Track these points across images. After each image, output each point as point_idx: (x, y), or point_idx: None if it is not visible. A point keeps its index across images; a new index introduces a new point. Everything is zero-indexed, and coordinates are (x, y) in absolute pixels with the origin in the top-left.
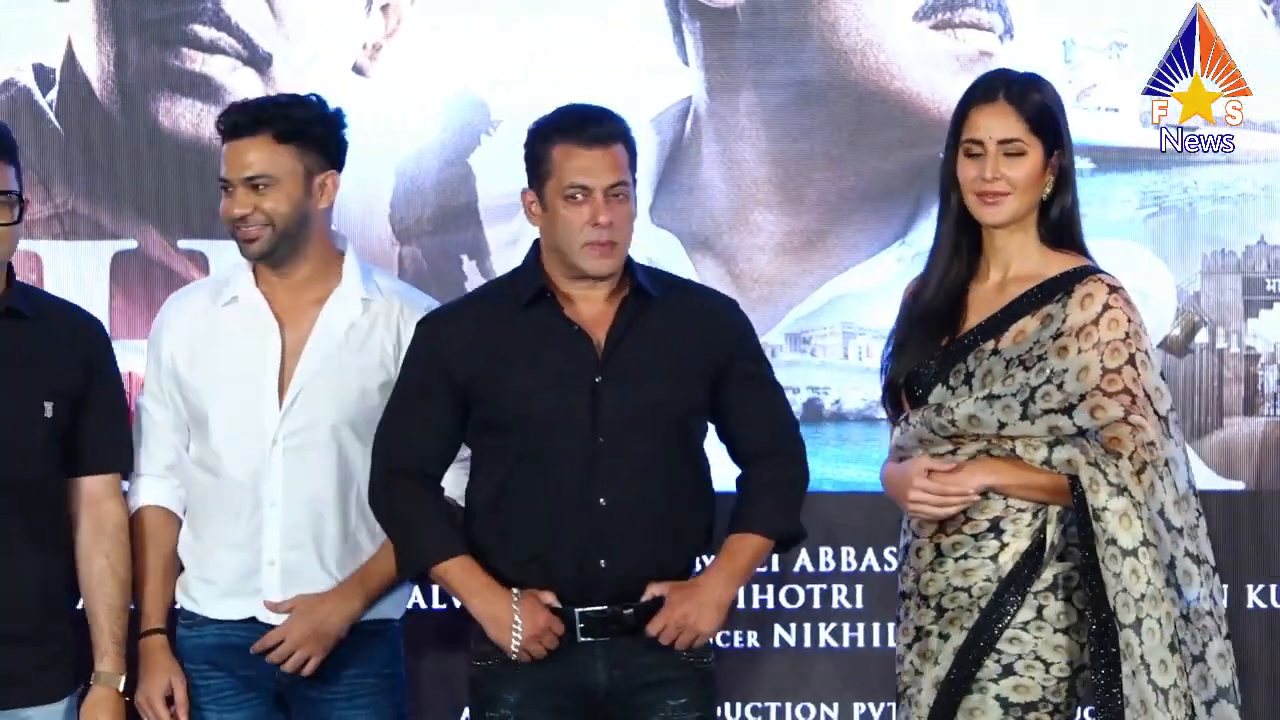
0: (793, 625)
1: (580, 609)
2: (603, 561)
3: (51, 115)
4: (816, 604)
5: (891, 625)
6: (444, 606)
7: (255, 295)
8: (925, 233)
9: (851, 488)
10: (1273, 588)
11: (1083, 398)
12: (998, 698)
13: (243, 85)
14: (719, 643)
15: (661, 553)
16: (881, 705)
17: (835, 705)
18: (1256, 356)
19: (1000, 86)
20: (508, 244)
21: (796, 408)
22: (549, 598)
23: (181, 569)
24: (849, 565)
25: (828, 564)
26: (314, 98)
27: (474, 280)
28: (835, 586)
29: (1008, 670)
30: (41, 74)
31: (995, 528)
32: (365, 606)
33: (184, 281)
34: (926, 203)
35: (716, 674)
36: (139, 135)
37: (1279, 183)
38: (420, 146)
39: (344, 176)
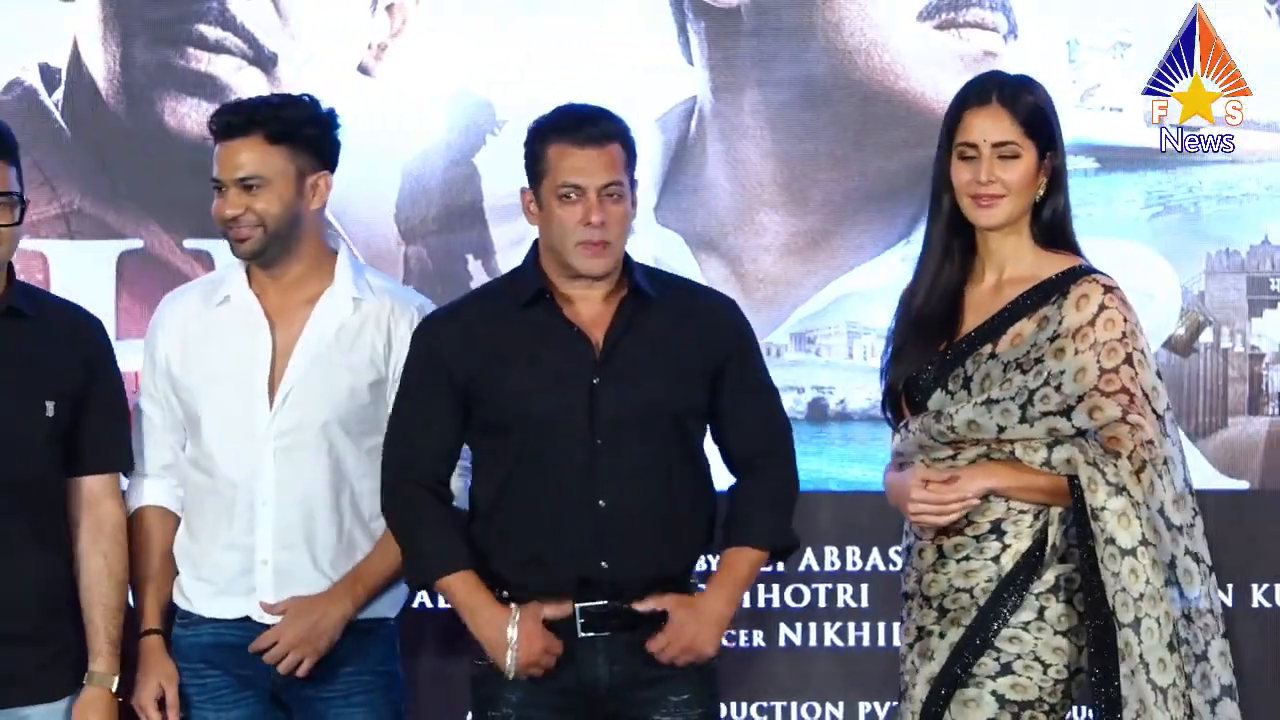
0: (798, 624)
1: (581, 604)
2: (604, 563)
3: (57, 115)
4: (822, 603)
5: (896, 625)
6: (445, 606)
7: (248, 295)
8: None
9: (856, 487)
10: (1277, 587)
11: (1081, 399)
12: (994, 694)
13: (248, 85)
14: (723, 641)
15: (662, 554)
16: (886, 705)
17: (840, 704)
18: (1261, 356)
19: (993, 89)
20: (513, 244)
21: (801, 407)
22: (552, 609)
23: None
24: (854, 565)
25: (833, 563)
26: (307, 98)
27: (479, 280)
28: (840, 586)
29: (1006, 669)
30: (47, 74)
31: (997, 529)
32: (359, 607)
33: (189, 281)
34: None
35: (718, 670)
36: (145, 135)
37: None
38: (425, 146)
39: (349, 176)
